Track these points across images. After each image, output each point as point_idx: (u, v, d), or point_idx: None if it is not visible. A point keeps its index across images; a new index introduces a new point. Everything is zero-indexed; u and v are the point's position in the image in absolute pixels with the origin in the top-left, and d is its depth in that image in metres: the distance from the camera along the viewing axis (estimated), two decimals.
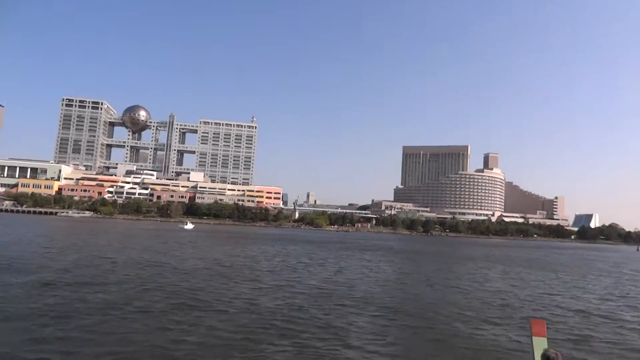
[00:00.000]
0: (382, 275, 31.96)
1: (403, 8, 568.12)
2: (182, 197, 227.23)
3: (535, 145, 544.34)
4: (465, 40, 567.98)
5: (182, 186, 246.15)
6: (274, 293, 21.19)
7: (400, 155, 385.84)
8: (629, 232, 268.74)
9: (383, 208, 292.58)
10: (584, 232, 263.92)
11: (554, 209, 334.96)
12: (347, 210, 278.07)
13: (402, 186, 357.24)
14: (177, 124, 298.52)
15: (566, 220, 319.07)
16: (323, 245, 68.42)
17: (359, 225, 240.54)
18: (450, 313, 18.45)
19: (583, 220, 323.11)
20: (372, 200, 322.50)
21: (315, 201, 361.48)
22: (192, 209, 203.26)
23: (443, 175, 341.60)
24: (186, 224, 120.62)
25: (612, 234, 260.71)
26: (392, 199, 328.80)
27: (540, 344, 5.69)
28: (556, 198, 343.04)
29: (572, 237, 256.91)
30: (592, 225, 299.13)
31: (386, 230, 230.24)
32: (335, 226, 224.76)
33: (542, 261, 59.38)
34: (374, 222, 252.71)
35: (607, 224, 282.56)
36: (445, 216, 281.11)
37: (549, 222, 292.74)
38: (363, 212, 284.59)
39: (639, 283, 37.25)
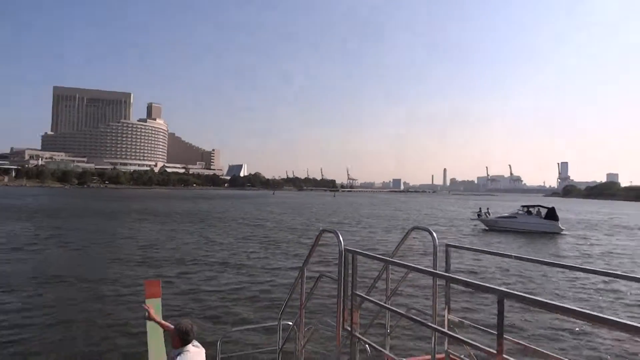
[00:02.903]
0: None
1: None
2: None
3: (197, 99, 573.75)
4: None
5: None
6: None
7: (50, 97, 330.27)
8: (268, 179, 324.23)
9: (27, 158, 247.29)
10: (235, 180, 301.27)
11: (212, 160, 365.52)
12: None
13: (52, 133, 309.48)
14: None
15: (221, 170, 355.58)
16: None
17: None
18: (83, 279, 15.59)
19: (235, 170, 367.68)
20: (12, 149, 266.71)
21: None
22: None
23: (103, 123, 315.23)
24: None
25: (256, 181, 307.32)
26: (40, 148, 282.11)
27: (153, 306, 4.84)
28: (213, 150, 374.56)
29: (226, 185, 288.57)
30: (242, 174, 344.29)
31: (31, 183, 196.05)
32: None
33: (199, 212, 62.43)
34: (14, 174, 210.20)
35: (253, 173, 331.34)
36: (105, 167, 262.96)
37: (207, 172, 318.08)
38: None
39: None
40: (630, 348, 9.46)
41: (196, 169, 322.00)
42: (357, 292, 4.10)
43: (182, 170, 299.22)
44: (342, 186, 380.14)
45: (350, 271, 4.03)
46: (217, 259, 21.32)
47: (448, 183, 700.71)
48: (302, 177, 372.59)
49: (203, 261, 20.51)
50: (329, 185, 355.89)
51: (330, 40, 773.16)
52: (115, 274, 16.98)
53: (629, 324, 1.86)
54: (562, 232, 39.66)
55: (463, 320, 4.73)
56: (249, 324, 10.60)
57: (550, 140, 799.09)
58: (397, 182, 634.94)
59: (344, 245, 3.92)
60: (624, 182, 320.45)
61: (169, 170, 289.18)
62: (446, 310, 4.49)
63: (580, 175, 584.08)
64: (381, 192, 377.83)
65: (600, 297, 15.14)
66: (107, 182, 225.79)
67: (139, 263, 19.75)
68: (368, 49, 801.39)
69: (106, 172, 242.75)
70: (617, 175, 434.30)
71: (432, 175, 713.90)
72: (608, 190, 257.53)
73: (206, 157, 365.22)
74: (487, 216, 44.74)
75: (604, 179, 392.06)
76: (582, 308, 2.04)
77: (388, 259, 4.37)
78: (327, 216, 56.42)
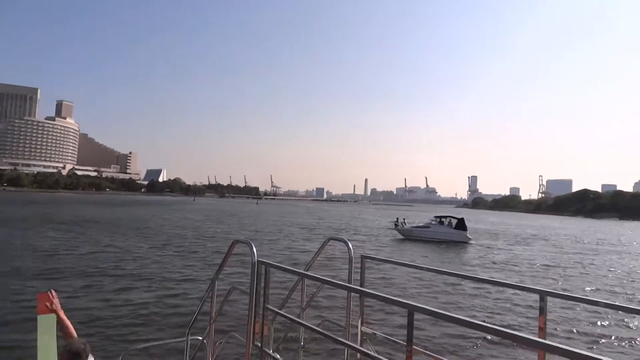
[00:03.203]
0: None
1: None
2: None
3: (113, 99, 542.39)
4: None
5: None
6: None
7: None
8: (189, 185, 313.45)
9: None
10: (153, 185, 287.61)
11: (128, 164, 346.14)
12: None
13: None
14: None
15: (138, 174, 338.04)
16: None
17: None
18: None
19: (153, 174, 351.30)
20: None
21: None
22: None
23: (3, 120, 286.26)
24: None
25: (176, 187, 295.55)
26: None
27: (47, 322, 4.02)
28: (130, 153, 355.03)
29: (143, 190, 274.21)
30: (161, 179, 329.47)
31: None
32: None
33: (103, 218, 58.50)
34: None
35: (173, 178, 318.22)
36: (4, 167, 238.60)
37: (122, 176, 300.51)
38: None
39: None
40: (530, 356, 10.10)
41: (110, 172, 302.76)
42: (269, 306, 3.97)
43: (95, 174, 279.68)
44: (266, 194, 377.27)
45: (262, 284, 3.90)
46: (127, 270, 19.93)
47: (369, 193, 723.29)
48: (225, 184, 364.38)
49: (110, 273, 19.06)
50: (252, 192, 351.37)
51: (255, 40, 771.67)
52: (3, 288, 15.16)
53: (529, 338, 1.94)
54: (470, 242, 42.40)
55: (376, 333, 4.72)
56: (155, 340, 9.90)
57: (462, 154, 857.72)
58: (320, 191, 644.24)
59: (257, 257, 3.80)
60: (524, 195, 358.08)
61: (79, 173, 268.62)
62: (360, 323, 4.47)
63: (487, 188, 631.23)
64: (305, 200, 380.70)
65: (504, 306, 16.21)
66: (5, 184, 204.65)
67: (35, 275, 17.85)
68: (290, 58, 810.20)
69: (5, 173, 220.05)
70: (518, 189, 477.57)
71: (354, 185, 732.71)
72: (511, 202, 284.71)
73: (122, 161, 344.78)
74: (403, 226, 46.66)
75: (507, 192, 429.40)
76: (486, 322, 2.09)
77: (302, 272, 4.29)
78: (249, 224, 55.49)
